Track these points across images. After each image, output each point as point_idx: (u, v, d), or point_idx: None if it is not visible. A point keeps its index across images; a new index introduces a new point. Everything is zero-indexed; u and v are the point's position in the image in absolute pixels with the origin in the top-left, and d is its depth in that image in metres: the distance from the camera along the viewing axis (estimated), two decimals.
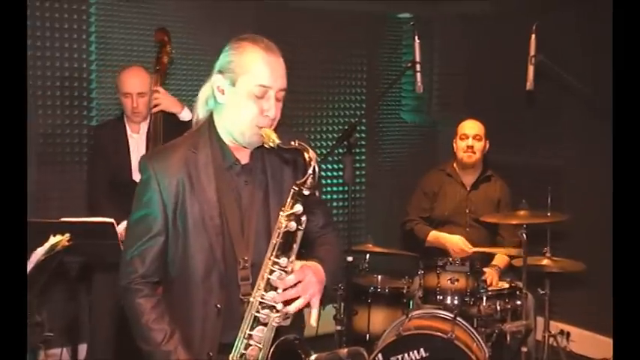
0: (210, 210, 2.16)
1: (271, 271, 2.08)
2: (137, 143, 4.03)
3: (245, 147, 2.23)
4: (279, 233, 2.07)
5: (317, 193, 2.09)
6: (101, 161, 4.05)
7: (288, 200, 2.07)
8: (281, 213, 2.07)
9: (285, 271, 2.08)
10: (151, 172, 2.16)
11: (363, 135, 5.86)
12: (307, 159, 2.03)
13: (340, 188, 5.67)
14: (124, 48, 4.80)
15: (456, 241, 4.38)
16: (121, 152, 4.01)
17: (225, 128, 2.22)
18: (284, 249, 2.07)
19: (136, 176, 3.90)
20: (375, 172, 5.98)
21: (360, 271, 4.38)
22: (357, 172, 5.84)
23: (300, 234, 2.08)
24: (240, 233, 2.19)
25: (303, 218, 2.06)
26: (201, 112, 2.29)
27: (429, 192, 4.67)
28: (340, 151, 5.19)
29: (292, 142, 2.06)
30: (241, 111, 2.14)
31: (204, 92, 2.27)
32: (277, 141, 2.08)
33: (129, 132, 4.07)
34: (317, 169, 2.03)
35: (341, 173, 5.54)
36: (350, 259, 3.88)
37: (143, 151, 3.95)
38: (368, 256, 4.41)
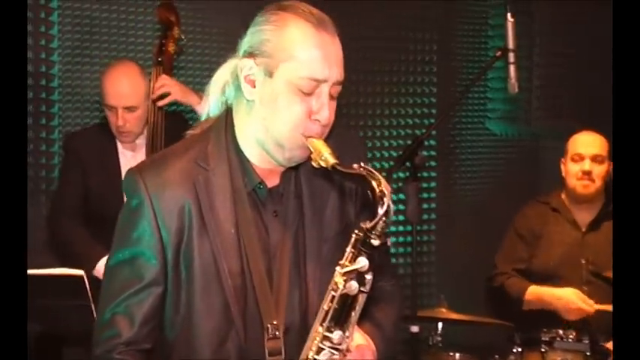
0: (227, 252, 2.13)
1: (319, 350, 2.05)
2: (131, 165, 4.01)
3: (281, 164, 2.20)
4: (333, 297, 2.03)
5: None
6: (76, 181, 4.02)
7: (348, 250, 2.03)
8: (338, 269, 2.03)
9: (339, 351, 2.05)
10: (144, 193, 2.13)
11: (433, 153, 5.84)
12: (377, 192, 1.99)
13: (401, 228, 5.64)
14: (105, 30, 4.84)
15: (569, 297, 4.29)
16: (106, 175, 3.99)
17: (252, 136, 2.17)
18: (339, 319, 2.04)
19: None
20: (450, 205, 5.95)
21: (431, 346, 4.33)
22: (425, 205, 5.80)
23: (362, 299, 2.05)
24: (267, 287, 2.17)
25: (369, 277, 2.03)
26: (213, 108, 2.26)
27: (527, 234, 4.63)
28: (401, 175, 5.17)
29: (355, 166, 2.02)
30: (281, 112, 2.09)
31: (219, 79, 2.24)
32: (332, 160, 2.04)
33: (120, 148, 4.07)
34: (392, 207, 2.00)
35: (402, 207, 5.53)
36: (415, 329, 3.85)
37: None
38: (441, 325, 4.38)
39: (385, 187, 1.99)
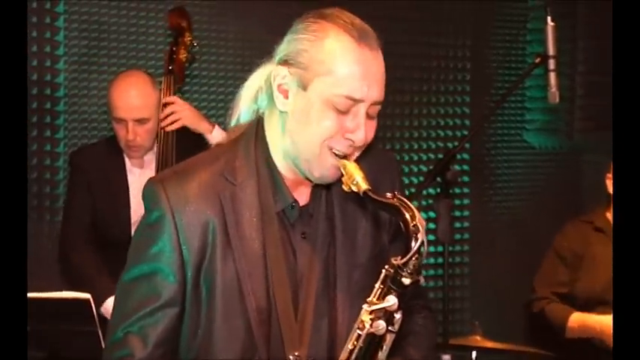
0: (252, 274, 2.11)
1: None
2: (141, 183, 4.02)
3: (309, 180, 2.18)
4: (359, 335, 2.02)
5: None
6: (83, 200, 4.05)
7: (377, 286, 2.01)
8: (365, 307, 2.01)
9: None
10: (166, 206, 2.11)
11: (466, 168, 5.83)
12: (411, 227, 1.97)
13: (431, 248, 5.61)
14: (114, 36, 4.86)
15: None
16: (113, 193, 4.02)
17: (282, 149, 2.16)
18: (364, 359, 2.03)
19: None
20: (485, 223, 5.93)
21: None
22: (457, 224, 5.80)
23: (390, 339, 2.04)
24: (292, 314, 2.15)
25: (398, 316, 2.01)
26: (244, 115, 2.25)
27: (569, 256, 4.59)
28: (431, 191, 5.17)
29: (388, 195, 2.01)
30: (312, 127, 2.07)
31: (253, 84, 2.22)
32: (364, 186, 2.02)
33: (127, 164, 4.09)
34: (426, 243, 1.97)
35: (432, 226, 5.52)
36: (447, 358, 3.84)
37: None
38: (475, 354, 4.36)
39: (419, 222, 1.97)
